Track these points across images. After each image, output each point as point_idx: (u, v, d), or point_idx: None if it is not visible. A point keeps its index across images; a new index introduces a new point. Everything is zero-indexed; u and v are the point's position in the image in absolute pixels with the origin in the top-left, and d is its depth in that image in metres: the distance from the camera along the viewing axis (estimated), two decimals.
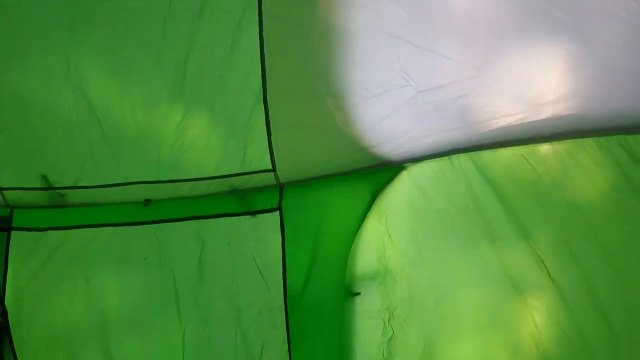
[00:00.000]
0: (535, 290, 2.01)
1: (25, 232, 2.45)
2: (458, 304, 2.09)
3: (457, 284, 2.08)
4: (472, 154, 2.02)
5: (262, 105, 1.97)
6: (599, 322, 1.95)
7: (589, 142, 1.92)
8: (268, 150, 2.06)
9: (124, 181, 2.27)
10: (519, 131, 1.96)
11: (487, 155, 2.00)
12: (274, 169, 2.13)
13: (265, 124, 2.00)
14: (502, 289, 2.03)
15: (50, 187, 2.34)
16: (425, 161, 2.06)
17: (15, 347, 2.49)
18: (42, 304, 2.46)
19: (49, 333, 2.47)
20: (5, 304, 2.49)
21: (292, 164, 2.13)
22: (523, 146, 1.98)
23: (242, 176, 2.17)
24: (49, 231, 2.42)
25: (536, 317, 2.01)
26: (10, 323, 2.49)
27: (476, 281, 2.07)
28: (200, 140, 2.10)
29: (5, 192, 2.39)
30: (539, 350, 2.02)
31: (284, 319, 2.21)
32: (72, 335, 2.44)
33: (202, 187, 2.24)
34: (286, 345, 2.24)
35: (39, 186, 2.34)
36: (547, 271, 1.97)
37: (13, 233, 2.45)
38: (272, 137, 2.03)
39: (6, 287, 2.48)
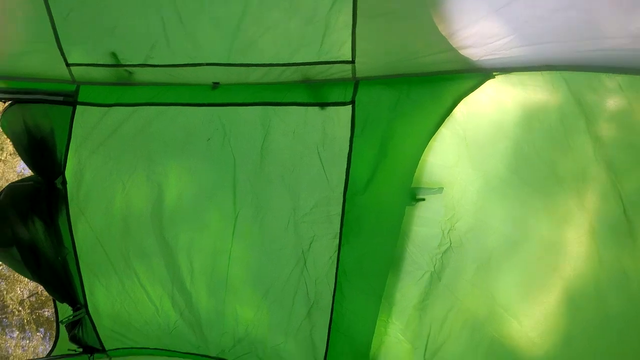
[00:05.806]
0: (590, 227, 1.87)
1: (90, 107, 2.46)
2: (520, 229, 1.99)
3: (526, 206, 1.96)
4: (565, 73, 1.83)
5: None
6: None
7: None
8: (351, 39, 1.96)
9: (195, 62, 2.22)
10: (622, 58, 1.75)
11: (582, 78, 1.81)
12: (353, 61, 2.04)
13: (352, 10, 1.88)
14: (566, 221, 1.90)
15: (118, 64, 2.32)
16: (515, 73, 1.89)
17: (70, 216, 2.58)
18: (102, 177, 2.50)
19: (105, 205, 2.53)
20: (65, 174, 2.56)
21: (373, 56, 2.02)
22: (623, 75, 1.76)
23: (318, 65, 2.08)
24: (114, 107, 2.42)
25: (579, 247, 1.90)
26: (68, 192, 2.57)
27: (543, 209, 1.94)
28: (279, 24, 2.00)
29: (72, 68, 2.37)
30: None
31: (340, 214, 2.19)
32: (128, 209, 2.50)
33: (274, 74, 2.17)
34: (337, 241, 2.22)
35: (107, 63, 2.32)
36: (625, 213, 1.79)
37: (78, 107, 2.47)
38: (357, 26, 1.91)
39: (68, 159, 2.53)
